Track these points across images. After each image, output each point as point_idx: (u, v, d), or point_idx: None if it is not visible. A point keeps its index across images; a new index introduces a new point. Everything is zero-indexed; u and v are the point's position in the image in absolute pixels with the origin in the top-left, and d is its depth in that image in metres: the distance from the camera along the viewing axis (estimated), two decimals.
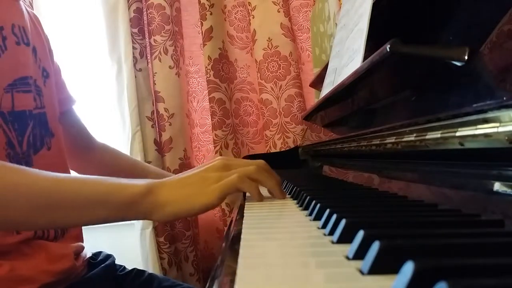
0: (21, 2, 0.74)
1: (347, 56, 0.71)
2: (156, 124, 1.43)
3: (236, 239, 0.36)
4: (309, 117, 1.16)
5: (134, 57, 1.39)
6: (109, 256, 0.84)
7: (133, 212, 0.55)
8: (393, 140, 0.48)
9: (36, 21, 0.80)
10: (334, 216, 0.37)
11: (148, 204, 0.55)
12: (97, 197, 0.54)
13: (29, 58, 0.72)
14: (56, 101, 0.80)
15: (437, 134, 0.38)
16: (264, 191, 0.63)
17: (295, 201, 0.58)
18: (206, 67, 1.42)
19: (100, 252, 0.85)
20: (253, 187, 0.58)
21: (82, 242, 0.79)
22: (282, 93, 1.43)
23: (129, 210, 0.55)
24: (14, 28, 0.69)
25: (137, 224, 1.40)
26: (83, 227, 0.80)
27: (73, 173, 0.89)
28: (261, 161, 0.62)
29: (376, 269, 0.25)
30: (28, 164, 0.69)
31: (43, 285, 0.63)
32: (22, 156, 0.68)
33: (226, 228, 0.51)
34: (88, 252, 0.81)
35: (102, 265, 0.79)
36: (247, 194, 0.69)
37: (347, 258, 0.29)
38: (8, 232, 0.63)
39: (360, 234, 0.29)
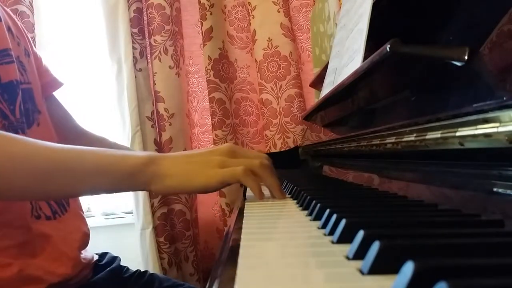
0: None
1: (347, 56, 0.71)
2: (156, 124, 1.43)
3: (236, 239, 0.36)
4: (309, 117, 1.16)
5: (134, 57, 1.39)
6: (115, 259, 0.84)
7: (134, 182, 0.56)
8: (393, 140, 0.48)
9: (8, 12, 0.80)
10: (334, 216, 0.37)
11: (149, 174, 0.55)
12: (99, 166, 0.55)
13: (4, 32, 0.72)
14: (39, 81, 0.80)
15: (437, 134, 0.38)
16: (265, 191, 0.62)
17: (295, 201, 0.58)
18: (206, 67, 1.42)
19: (106, 253, 0.85)
20: (255, 183, 0.58)
21: (86, 224, 0.79)
22: (282, 93, 1.43)
23: (130, 180, 0.55)
24: None
25: (137, 224, 1.40)
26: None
27: None
28: (265, 157, 0.62)
29: (376, 269, 0.25)
30: (24, 134, 0.69)
31: (50, 286, 0.63)
32: (17, 125, 0.68)
33: (226, 228, 0.51)
34: (93, 253, 0.81)
35: (109, 268, 0.79)
36: (247, 194, 0.69)
37: (347, 258, 0.29)
38: (11, 231, 0.63)
39: (360, 234, 0.29)
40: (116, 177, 0.55)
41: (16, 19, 0.81)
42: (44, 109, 0.78)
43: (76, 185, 0.55)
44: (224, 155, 0.58)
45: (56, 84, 0.89)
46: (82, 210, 0.81)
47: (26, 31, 0.83)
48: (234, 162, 0.57)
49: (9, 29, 0.74)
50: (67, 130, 0.91)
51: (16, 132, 0.67)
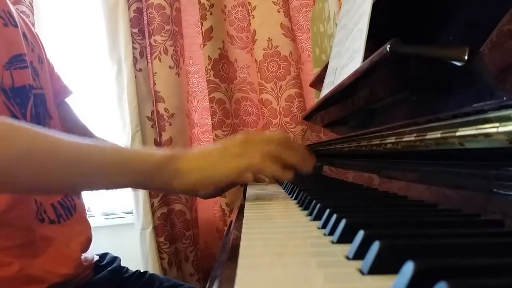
0: None
1: (347, 56, 0.71)
2: (156, 124, 1.43)
3: (236, 239, 0.36)
4: (309, 117, 1.16)
5: (134, 57, 1.39)
6: (115, 259, 0.85)
7: (156, 178, 0.56)
8: (393, 140, 0.48)
9: (24, 18, 0.81)
10: (334, 216, 0.37)
11: (171, 171, 0.56)
12: (121, 163, 0.55)
13: (20, 38, 0.73)
14: (51, 88, 0.80)
15: (437, 134, 0.38)
16: (266, 191, 0.62)
17: (295, 201, 0.58)
18: (206, 67, 1.42)
19: (106, 254, 0.85)
20: (273, 172, 0.59)
21: (90, 228, 0.79)
22: (282, 93, 1.43)
23: (152, 176, 0.56)
24: None
25: (137, 224, 1.40)
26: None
27: None
28: (282, 137, 0.62)
29: (376, 269, 0.25)
30: None
31: (51, 285, 0.63)
32: None
33: (226, 228, 0.51)
34: (94, 254, 0.81)
35: (109, 268, 0.79)
36: (247, 194, 0.69)
37: (347, 258, 0.29)
38: (14, 231, 0.63)
39: (360, 234, 0.29)
40: (138, 173, 0.56)
41: (31, 27, 0.82)
42: (56, 115, 0.79)
43: (97, 179, 0.55)
44: (240, 145, 0.59)
45: (67, 92, 0.91)
46: (86, 214, 0.81)
47: (40, 39, 0.84)
48: (251, 149, 0.58)
49: (24, 34, 0.75)
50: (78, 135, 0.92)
51: None
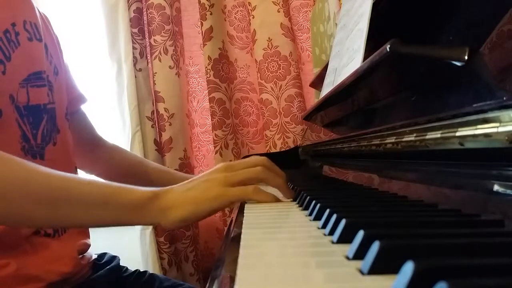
0: None
1: (347, 56, 0.71)
2: (156, 124, 1.43)
3: (236, 239, 0.36)
4: (309, 117, 1.16)
5: (134, 57, 1.39)
6: (114, 258, 0.85)
7: (139, 217, 0.55)
8: (393, 140, 0.48)
9: (47, 20, 0.81)
10: (334, 216, 0.37)
11: (154, 209, 0.54)
12: (102, 197, 0.54)
13: (42, 54, 0.72)
14: (65, 98, 0.80)
15: (437, 134, 0.38)
16: (266, 191, 0.62)
17: (295, 201, 0.58)
18: (206, 67, 1.42)
19: (105, 254, 0.85)
20: (269, 197, 0.58)
21: (88, 237, 0.79)
22: (282, 93, 1.43)
23: (134, 214, 0.54)
24: (25, 24, 0.69)
25: None
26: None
27: (80, 172, 0.89)
28: (264, 160, 0.61)
29: (376, 269, 0.25)
30: (42, 156, 0.69)
31: (49, 284, 0.63)
32: (36, 149, 0.68)
33: (226, 228, 0.51)
34: (92, 253, 0.81)
35: (107, 267, 0.79)
36: None
37: (347, 258, 0.29)
38: (14, 228, 0.63)
39: (360, 234, 0.29)
40: (119, 209, 0.54)
41: (52, 31, 0.81)
42: (65, 127, 0.78)
43: (78, 215, 0.53)
44: (222, 172, 0.58)
45: (82, 100, 0.91)
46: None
47: (59, 42, 0.83)
48: (236, 175, 0.57)
49: (45, 46, 0.74)
50: (87, 142, 0.93)
51: (34, 157, 0.67)
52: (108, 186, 0.56)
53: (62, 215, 0.53)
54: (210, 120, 1.45)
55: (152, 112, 1.42)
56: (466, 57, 0.37)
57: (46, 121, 0.71)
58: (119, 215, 0.54)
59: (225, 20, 1.50)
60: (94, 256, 0.81)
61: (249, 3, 1.44)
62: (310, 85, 1.29)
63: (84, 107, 0.93)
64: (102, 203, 0.54)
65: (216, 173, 0.58)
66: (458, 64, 0.38)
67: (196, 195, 0.55)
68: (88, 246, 0.78)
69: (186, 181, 0.59)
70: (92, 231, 0.81)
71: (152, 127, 1.41)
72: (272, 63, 1.43)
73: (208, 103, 1.44)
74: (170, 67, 1.41)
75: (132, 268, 0.87)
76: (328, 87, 0.85)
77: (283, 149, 1.41)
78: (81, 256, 0.73)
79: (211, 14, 1.42)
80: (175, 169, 1.39)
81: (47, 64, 0.74)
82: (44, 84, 0.71)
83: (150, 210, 0.54)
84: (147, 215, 0.54)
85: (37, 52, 0.71)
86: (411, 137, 0.43)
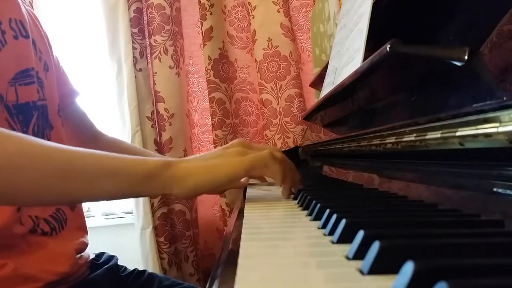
0: None
1: (347, 56, 0.71)
2: (156, 124, 1.43)
3: (236, 239, 0.36)
4: (309, 117, 1.16)
5: (134, 57, 1.39)
6: (112, 257, 0.84)
7: (151, 186, 0.54)
8: (393, 140, 0.48)
9: (34, 17, 0.81)
10: (334, 216, 0.37)
11: (167, 178, 0.53)
12: (114, 168, 0.53)
13: (30, 51, 0.72)
14: (57, 95, 0.80)
15: (437, 134, 0.38)
16: (266, 191, 0.62)
17: (295, 201, 0.58)
18: (206, 67, 1.42)
19: (103, 253, 0.85)
20: (280, 170, 0.57)
21: (86, 233, 0.79)
22: (282, 93, 1.43)
23: (147, 184, 0.53)
24: (11, 22, 0.69)
25: (137, 224, 1.40)
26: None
27: None
28: (281, 154, 0.60)
29: (376, 269, 0.25)
30: None
31: (46, 284, 0.63)
32: None
33: (226, 228, 0.51)
34: (90, 253, 0.81)
35: (105, 266, 0.79)
36: (247, 194, 0.69)
37: (347, 258, 0.29)
38: (11, 227, 0.63)
39: (360, 234, 0.29)
40: (131, 179, 0.53)
41: (40, 27, 0.81)
42: (58, 124, 0.78)
43: (91, 187, 0.53)
44: (239, 146, 0.58)
45: (74, 94, 0.90)
46: (85, 223, 0.80)
47: (48, 38, 0.83)
48: (254, 151, 0.57)
49: (33, 43, 0.74)
50: (86, 136, 0.92)
51: None
52: (120, 157, 0.55)
53: (75, 188, 0.52)
54: (210, 120, 1.45)
55: (152, 112, 1.42)
56: (466, 57, 0.38)
57: (37, 118, 0.71)
58: (131, 186, 0.53)
59: (225, 20, 1.50)
60: (92, 256, 0.81)
61: (249, 3, 1.45)
62: (310, 85, 1.29)
63: (80, 104, 0.92)
64: (113, 175, 0.53)
65: (231, 147, 0.58)
66: (458, 64, 0.38)
67: (210, 164, 0.55)
68: (86, 245, 0.77)
69: (200, 154, 0.59)
70: (92, 232, 0.81)
71: (152, 127, 1.41)
72: (272, 63, 1.43)
73: (208, 103, 1.44)
74: (170, 67, 1.41)
75: (131, 268, 0.87)
76: (328, 87, 0.85)
77: (283, 149, 1.41)
78: (78, 255, 0.73)
79: (211, 14, 1.42)
80: None
81: (36, 60, 0.73)
82: (33, 81, 0.70)
83: (163, 179, 0.53)
84: (160, 183, 0.54)
85: (24, 49, 0.70)
86: (411, 137, 0.43)
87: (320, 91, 1.01)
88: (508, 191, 0.32)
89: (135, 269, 0.86)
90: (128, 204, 1.54)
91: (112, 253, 0.87)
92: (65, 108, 0.85)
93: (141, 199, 1.37)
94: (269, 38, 1.43)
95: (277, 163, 0.57)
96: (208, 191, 0.58)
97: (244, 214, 0.50)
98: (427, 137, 0.39)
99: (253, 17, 1.44)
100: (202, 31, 1.43)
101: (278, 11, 1.43)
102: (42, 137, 0.72)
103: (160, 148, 1.42)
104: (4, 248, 0.62)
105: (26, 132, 0.68)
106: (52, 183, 0.51)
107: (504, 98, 0.30)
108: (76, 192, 0.53)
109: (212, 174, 0.54)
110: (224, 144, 1.42)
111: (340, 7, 0.93)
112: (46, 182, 0.50)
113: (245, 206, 0.56)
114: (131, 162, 0.54)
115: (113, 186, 0.53)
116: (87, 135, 0.93)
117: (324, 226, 0.39)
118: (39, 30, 0.79)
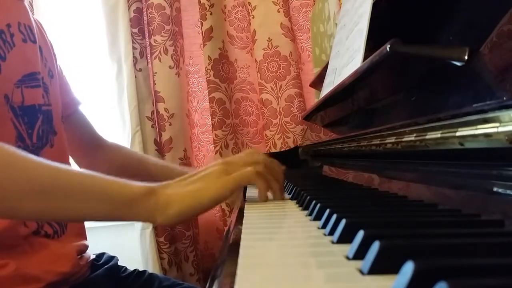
0: (25, 3, 0.75)
1: (347, 56, 0.71)
2: (156, 124, 1.43)
3: (236, 239, 0.36)
4: (309, 117, 1.16)
5: (134, 57, 1.39)
6: (112, 258, 0.85)
7: (133, 213, 0.53)
8: (393, 140, 0.48)
9: (41, 25, 0.82)
10: (334, 216, 0.37)
11: (150, 205, 0.52)
12: (96, 190, 0.52)
13: (37, 55, 0.72)
14: (60, 102, 0.80)
15: (437, 134, 0.38)
16: (268, 192, 0.62)
17: (295, 201, 0.58)
18: (206, 67, 1.42)
19: (103, 254, 0.85)
20: (265, 185, 0.57)
21: (86, 239, 0.79)
22: (282, 93, 1.43)
23: (128, 209, 0.52)
24: (20, 26, 0.70)
25: (137, 224, 1.40)
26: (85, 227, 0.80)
27: None
28: (263, 158, 0.60)
29: (376, 269, 0.25)
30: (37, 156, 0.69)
31: (48, 285, 0.63)
32: (32, 149, 0.68)
33: (226, 228, 0.51)
34: (91, 253, 0.81)
35: (106, 266, 0.79)
36: (247, 194, 0.69)
37: (347, 258, 0.29)
38: (16, 228, 0.63)
39: (360, 234, 0.29)
40: (112, 203, 0.52)
41: (46, 36, 0.81)
42: (61, 130, 0.78)
43: (66, 206, 0.51)
44: (220, 165, 0.56)
45: (76, 104, 0.90)
46: (84, 230, 0.80)
47: (53, 47, 0.83)
48: (237, 168, 0.56)
49: (40, 49, 0.74)
50: (89, 144, 0.92)
51: None
52: (102, 178, 0.53)
53: (49, 206, 0.51)
54: (210, 120, 1.45)
55: (152, 112, 1.42)
56: (466, 57, 0.38)
57: (42, 121, 0.71)
58: (112, 210, 0.52)
59: (225, 20, 1.50)
60: (93, 256, 0.81)
61: (249, 3, 1.44)
62: (310, 85, 1.29)
63: (82, 109, 0.93)
64: (94, 196, 0.52)
65: (214, 166, 0.57)
66: (458, 64, 0.38)
67: (194, 188, 0.53)
68: (87, 247, 0.78)
69: (183, 176, 0.57)
70: (92, 232, 0.81)
71: (152, 127, 1.41)
72: (272, 63, 1.43)
73: (208, 103, 1.44)
74: (170, 67, 1.41)
75: (131, 268, 0.87)
76: (328, 87, 0.85)
77: (283, 149, 1.41)
78: (79, 256, 0.73)
79: (211, 14, 1.42)
80: None
81: (41, 66, 0.74)
82: (39, 85, 0.71)
83: (146, 206, 0.52)
84: (143, 211, 0.52)
85: (31, 53, 0.71)
86: (411, 137, 0.43)
87: (320, 91, 1.01)
88: (508, 191, 0.32)
89: (135, 270, 0.86)
90: None
91: (112, 253, 0.87)
92: (68, 117, 0.85)
93: None
94: (269, 38, 1.43)
95: (261, 179, 0.56)
96: (194, 216, 0.56)
97: (244, 214, 0.50)
98: (427, 137, 0.39)
99: (253, 17, 1.44)
100: (202, 31, 1.43)
101: (278, 11, 1.43)
102: (46, 142, 0.73)
103: (160, 148, 1.42)
104: (6, 248, 0.62)
105: (31, 134, 0.68)
106: (26, 197, 0.49)
107: (504, 98, 0.30)
108: (51, 210, 0.51)
109: (197, 199, 0.53)
110: (224, 144, 1.43)
111: (340, 7, 0.93)
112: (19, 196, 0.49)
113: (245, 206, 0.56)
114: (113, 185, 0.53)
115: (90, 208, 0.52)
116: (90, 143, 0.93)
117: (324, 226, 0.39)
118: (45, 38, 0.80)
